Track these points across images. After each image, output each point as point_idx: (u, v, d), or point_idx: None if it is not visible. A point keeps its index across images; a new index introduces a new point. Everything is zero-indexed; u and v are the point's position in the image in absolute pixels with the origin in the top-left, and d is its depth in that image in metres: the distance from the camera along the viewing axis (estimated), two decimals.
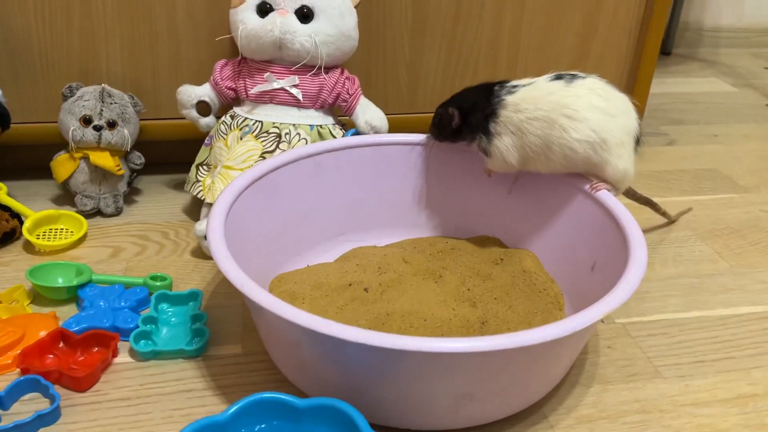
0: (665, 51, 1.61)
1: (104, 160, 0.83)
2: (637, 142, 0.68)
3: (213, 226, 0.59)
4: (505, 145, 0.67)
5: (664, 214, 0.84)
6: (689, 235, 0.87)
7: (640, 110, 1.02)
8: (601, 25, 0.96)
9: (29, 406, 0.57)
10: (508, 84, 0.68)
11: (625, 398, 0.60)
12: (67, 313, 0.68)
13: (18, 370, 0.60)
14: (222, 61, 0.84)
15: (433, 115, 0.73)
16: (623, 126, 0.66)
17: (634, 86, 1.01)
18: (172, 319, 0.67)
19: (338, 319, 0.63)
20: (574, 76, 0.66)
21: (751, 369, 0.65)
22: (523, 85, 0.67)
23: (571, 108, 0.64)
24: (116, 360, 0.62)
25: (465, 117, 0.69)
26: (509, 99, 0.67)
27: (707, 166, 1.07)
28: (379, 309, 0.63)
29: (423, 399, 0.52)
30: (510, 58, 0.96)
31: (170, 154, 0.97)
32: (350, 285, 0.68)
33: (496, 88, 0.68)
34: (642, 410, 0.59)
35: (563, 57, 0.98)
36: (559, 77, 0.66)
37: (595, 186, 0.68)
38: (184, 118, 0.86)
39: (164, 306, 0.68)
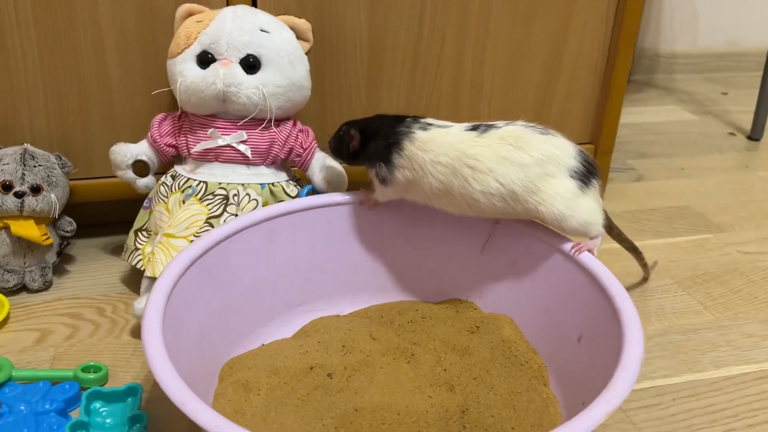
0: None
1: (28, 230, 0.73)
2: (588, 177, 0.61)
3: (149, 323, 0.51)
4: (405, 178, 0.64)
5: (644, 266, 0.79)
6: (669, 283, 0.83)
7: (606, 147, 0.99)
8: (565, 63, 0.92)
9: None
10: (424, 120, 0.65)
11: None
12: None
13: None
14: (160, 116, 0.76)
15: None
16: (540, 174, 0.60)
17: (602, 123, 0.97)
18: (107, 421, 0.58)
19: (299, 415, 0.56)
20: (490, 127, 0.62)
21: None
22: (438, 126, 0.64)
23: (475, 159, 0.60)
24: None
25: (365, 142, 0.66)
26: (419, 135, 0.63)
27: (678, 203, 1.03)
28: (345, 401, 0.56)
29: None
30: (472, 103, 0.91)
31: (106, 214, 0.88)
32: (311, 368, 0.61)
33: (408, 119, 0.65)
34: None
35: (527, 98, 0.93)
36: (475, 127, 0.62)
37: (578, 248, 0.62)
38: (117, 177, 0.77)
39: (97, 405, 0.59)
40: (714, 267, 0.87)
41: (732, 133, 1.33)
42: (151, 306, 0.52)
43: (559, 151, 0.61)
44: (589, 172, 0.62)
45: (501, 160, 0.60)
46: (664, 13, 1.60)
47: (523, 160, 0.59)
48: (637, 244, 0.76)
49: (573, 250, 0.62)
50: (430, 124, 0.64)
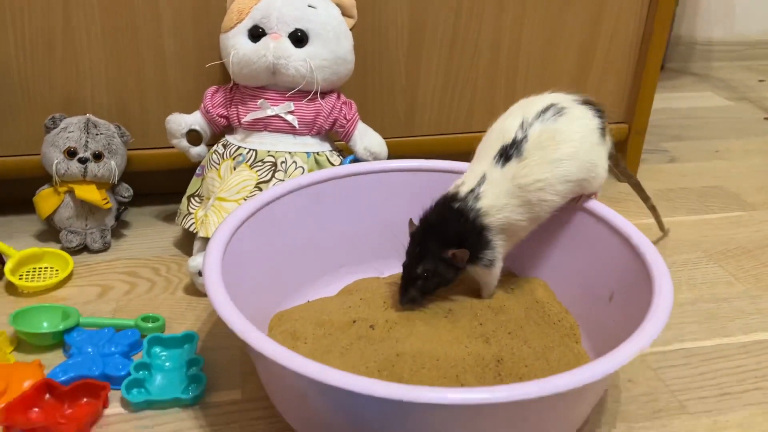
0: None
1: (90, 193, 0.78)
2: (604, 129, 0.66)
3: (209, 265, 0.55)
4: (503, 243, 0.63)
5: (659, 223, 0.84)
6: (701, 256, 0.84)
7: (639, 127, 1.00)
8: (600, 44, 0.94)
9: None
10: (463, 192, 0.62)
11: None
12: (52, 360, 0.63)
13: (1, 427, 0.55)
14: (213, 88, 0.80)
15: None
16: (584, 158, 0.63)
17: (636, 104, 0.99)
18: (166, 364, 0.63)
19: (344, 361, 0.59)
20: (514, 145, 0.61)
21: None
22: (479, 184, 0.61)
23: (535, 182, 0.61)
24: (107, 411, 0.58)
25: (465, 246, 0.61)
26: (481, 205, 0.61)
27: (712, 184, 1.04)
28: (387, 349, 0.60)
29: None
30: (508, 80, 0.94)
31: (160, 184, 0.93)
32: (354, 322, 0.65)
33: (457, 205, 0.61)
34: None
35: (562, 78, 0.95)
36: (504, 154, 0.61)
37: (581, 201, 0.67)
38: (173, 148, 0.82)
39: (157, 350, 0.64)
40: (746, 242, 0.88)
41: (767, 118, 1.33)
42: (211, 251, 0.56)
43: (586, 122, 0.64)
44: (602, 119, 0.65)
45: (552, 166, 0.61)
46: (701, 1, 1.60)
47: (567, 152, 0.62)
48: (667, 220, 0.79)
49: (581, 202, 0.67)
50: (471, 191, 0.61)
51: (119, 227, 0.86)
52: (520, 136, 0.62)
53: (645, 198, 0.83)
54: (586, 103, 0.65)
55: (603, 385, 0.54)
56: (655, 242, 0.82)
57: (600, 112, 0.65)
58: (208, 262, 0.56)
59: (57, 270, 0.76)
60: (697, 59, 1.66)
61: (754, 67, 1.66)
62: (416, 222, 0.64)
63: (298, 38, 0.75)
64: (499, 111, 0.69)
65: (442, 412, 0.44)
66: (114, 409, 0.58)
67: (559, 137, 0.62)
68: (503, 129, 0.63)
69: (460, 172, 0.74)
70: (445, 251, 0.60)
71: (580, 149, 0.62)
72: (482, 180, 0.62)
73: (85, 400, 0.58)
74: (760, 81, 1.56)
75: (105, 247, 0.82)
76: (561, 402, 0.48)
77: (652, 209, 0.84)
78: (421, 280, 0.62)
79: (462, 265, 0.62)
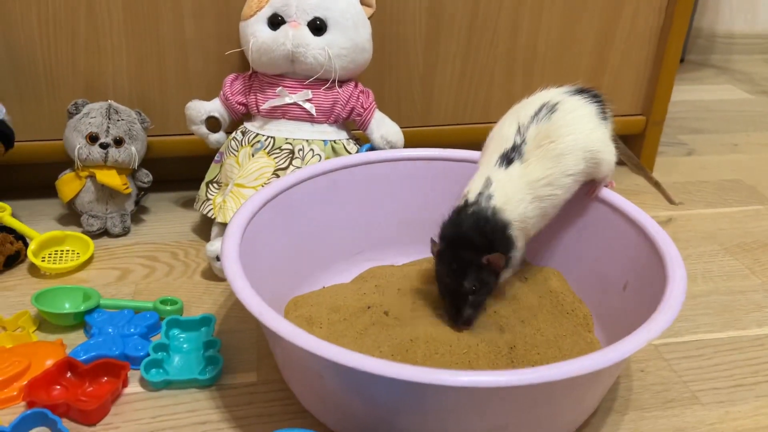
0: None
1: (111, 178, 0.80)
2: (605, 112, 0.66)
3: (228, 249, 0.56)
4: (523, 237, 0.62)
5: (666, 196, 0.86)
6: (717, 249, 0.84)
7: (657, 118, 1.00)
8: (619, 34, 0.94)
9: None
10: (472, 197, 0.61)
11: (663, 426, 0.57)
12: (74, 340, 0.65)
13: (24, 403, 0.57)
14: (232, 75, 0.81)
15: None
16: (583, 148, 0.63)
17: (654, 96, 0.98)
18: (184, 346, 0.64)
19: (358, 345, 0.60)
20: (515, 149, 0.62)
21: None
22: (486, 186, 0.61)
23: (542, 178, 0.61)
24: (126, 390, 0.59)
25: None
26: (494, 202, 0.60)
27: (730, 177, 1.04)
28: (401, 334, 0.60)
29: None
30: (526, 69, 0.94)
31: (179, 171, 0.94)
32: (369, 308, 0.65)
33: (471, 210, 0.60)
34: None
35: (580, 66, 0.95)
36: (506, 158, 0.62)
37: (597, 189, 0.67)
38: (192, 134, 0.83)
39: (176, 332, 0.65)
40: (763, 236, 0.87)
41: None
42: (230, 234, 0.57)
43: (578, 112, 0.64)
44: (602, 104, 0.66)
45: (554, 162, 0.62)
46: None
47: (562, 147, 0.62)
48: (685, 213, 0.78)
49: (595, 191, 0.67)
50: (479, 194, 0.60)
51: (139, 212, 0.88)
52: (518, 140, 0.62)
53: (648, 177, 0.84)
54: (578, 92, 0.65)
55: (613, 372, 0.54)
56: (671, 233, 0.82)
57: (595, 96, 0.66)
58: (227, 246, 0.57)
59: (78, 253, 0.78)
60: (717, 52, 1.64)
61: None
62: (433, 241, 0.62)
63: (317, 27, 0.75)
64: (516, 101, 0.69)
65: (454, 394, 0.45)
66: (133, 388, 0.60)
67: (554, 134, 0.62)
68: (502, 136, 0.64)
69: (474, 162, 0.75)
70: (481, 258, 0.58)
71: (577, 140, 0.63)
72: (488, 182, 0.61)
73: (105, 378, 0.59)
74: None
75: (125, 232, 0.83)
76: (570, 388, 0.48)
77: (657, 185, 0.85)
78: (472, 296, 0.58)
79: (500, 269, 0.59)
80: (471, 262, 0.58)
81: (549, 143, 0.62)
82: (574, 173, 0.63)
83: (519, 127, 0.63)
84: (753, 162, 1.09)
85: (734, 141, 1.17)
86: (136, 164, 0.82)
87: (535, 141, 0.62)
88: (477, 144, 0.75)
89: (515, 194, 0.61)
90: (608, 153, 0.66)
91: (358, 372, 0.44)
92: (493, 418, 0.48)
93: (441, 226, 0.61)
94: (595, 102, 0.65)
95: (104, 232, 0.83)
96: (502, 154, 0.62)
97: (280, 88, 0.77)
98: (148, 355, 0.61)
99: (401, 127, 0.83)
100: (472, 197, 0.61)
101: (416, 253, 0.77)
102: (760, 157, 1.12)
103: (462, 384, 0.42)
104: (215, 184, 0.81)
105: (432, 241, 0.62)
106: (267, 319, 0.48)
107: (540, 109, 0.63)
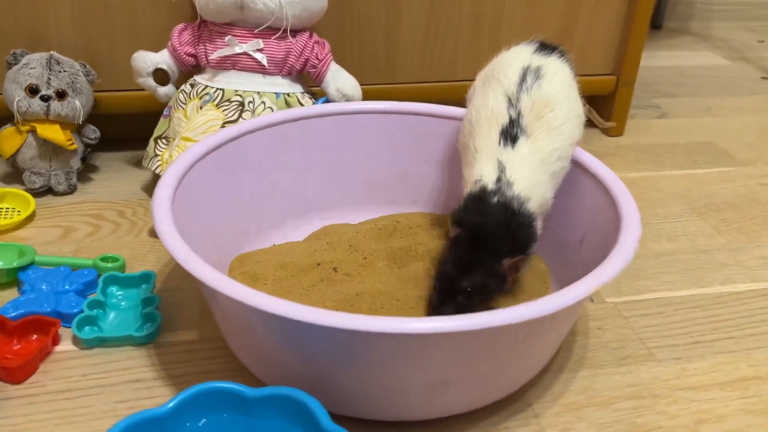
0: (656, 25, 1.56)
1: (54, 133, 0.76)
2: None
3: (159, 196, 0.53)
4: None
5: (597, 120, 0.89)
6: (684, 209, 0.82)
7: (628, 78, 0.97)
8: None
9: None
10: (490, 185, 0.56)
11: (616, 383, 0.55)
12: (6, 297, 0.61)
13: None
14: (181, 26, 0.77)
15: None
16: (576, 112, 0.61)
17: (625, 55, 0.96)
18: (122, 304, 0.61)
19: (303, 301, 0.57)
20: (514, 124, 0.57)
21: (752, 350, 0.60)
22: (502, 171, 0.56)
23: (556, 151, 0.58)
24: (57, 348, 0.56)
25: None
26: (518, 189, 0.55)
27: (701, 139, 1.02)
28: (347, 289, 0.58)
29: (392, 387, 0.46)
30: (493, 25, 0.90)
31: (132, 130, 0.90)
32: (319, 264, 0.63)
33: (495, 199, 0.55)
34: (635, 396, 0.54)
35: (549, 25, 0.92)
36: (507, 135, 0.57)
37: None
38: (142, 90, 0.79)
39: (113, 289, 0.62)
40: (731, 197, 0.85)
41: (765, 78, 1.29)
42: (164, 182, 0.54)
43: (562, 74, 0.60)
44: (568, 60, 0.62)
45: (557, 132, 0.58)
46: None
47: (562, 115, 0.59)
48: (654, 174, 0.76)
49: None
50: (498, 180, 0.55)
51: (86, 171, 0.84)
52: (513, 114, 0.58)
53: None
54: (550, 50, 0.61)
55: (560, 324, 0.52)
56: (638, 194, 0.80)
57: (562, 53, 0.62)
58: (158, 192, 0.53)
59: (18, 210, 0.74)
60: (697, 19, 1.61)
61: (755, 28, 1.61)
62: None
63: None
64: (483, 59, 0.66)
65: (386, 342, 0.42)
66: (65, 346, 0.57)
67: (552, 102, 0.58)
68: (490, 110, 0.59)
69: (434, 115, 0.72)
70: (499, 264, 0.53)
71: (571, 105, 0.60)
72: (501, 166, 0.56)
73: (34, 336, 0.56)
74: (759, 41, 1.51)
75: (70, 190, 0.79)
76: (511, 339, 0.46)
77: (589, 111, 0.85)
78: (462, 296, 0.53)
79: (516, 274, 0.55)
80: (486, 265, 0.53)
81: (549, 112, 0.58)
82: (575, 141, 0.60)
83: (509, 99, 0.58)
84: (726, 125, 1.07)
85: (708, 105, 1.15)
86: (81, 119, 0.78)
87: (533, 112, 0.58)
88: (444, 103, 0.72)
89: (533, 176, 0.56)
90: (583, 113, 0.62)
91: (286, 320, 0.41)
92: (434, 372, 0.45)
93: (457, 212, 0.56)
94: (566, 59, 0.62)
95: (49, 190, 0.79)
96: (502, 130, 0.57)
97: (229, 37, 0.73)
98: (82, 311, 0.58)
99: (364, 85, 0.80)
100: (490, 185, 0.55)
101: (372, 211, 0.74)
102: (733, 120, 1.09)
103: (393, 330, 0.40)
104: (164, 140, 0.77)
105: (451, 220, 0.56)
106: (192, 266, 0.45)
107: (524, 76, 0.59)
